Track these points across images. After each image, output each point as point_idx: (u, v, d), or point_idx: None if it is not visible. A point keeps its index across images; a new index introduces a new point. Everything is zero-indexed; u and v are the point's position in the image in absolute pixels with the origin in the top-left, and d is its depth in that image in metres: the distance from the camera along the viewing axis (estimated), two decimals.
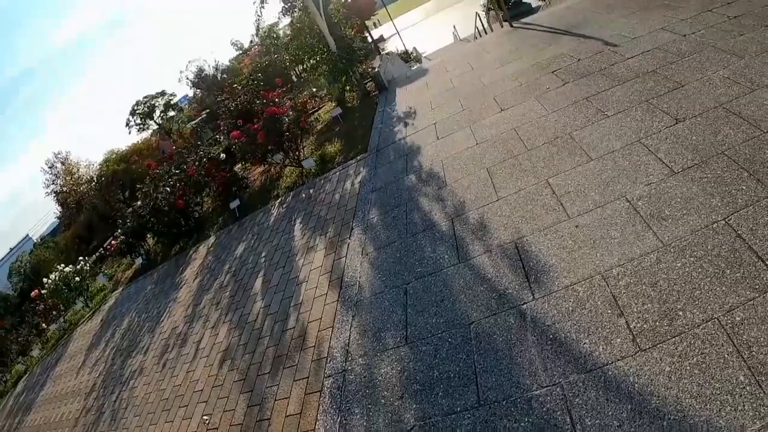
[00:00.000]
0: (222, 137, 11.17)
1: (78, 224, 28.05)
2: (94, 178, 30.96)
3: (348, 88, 10.43)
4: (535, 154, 4.61)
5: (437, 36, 39.01)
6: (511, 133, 5.22)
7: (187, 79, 35.58)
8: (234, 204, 9.15)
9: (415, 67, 14.03)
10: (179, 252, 10.25)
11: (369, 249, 4.73)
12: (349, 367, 3.52)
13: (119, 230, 11.74)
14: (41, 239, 36.57)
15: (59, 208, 32.93)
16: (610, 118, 4.53)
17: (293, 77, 22.68)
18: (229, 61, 36.24)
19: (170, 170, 11.53)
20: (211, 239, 9.16)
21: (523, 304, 3.12)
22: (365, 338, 3.67)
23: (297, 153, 8.57)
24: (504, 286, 3.34)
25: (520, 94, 6.10)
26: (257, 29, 11.91)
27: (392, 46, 23.82)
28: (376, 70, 9.75)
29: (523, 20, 10.09)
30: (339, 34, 10.19)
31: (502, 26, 11.02)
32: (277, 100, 8.87)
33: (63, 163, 32.48)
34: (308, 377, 3.76)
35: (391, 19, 27.57)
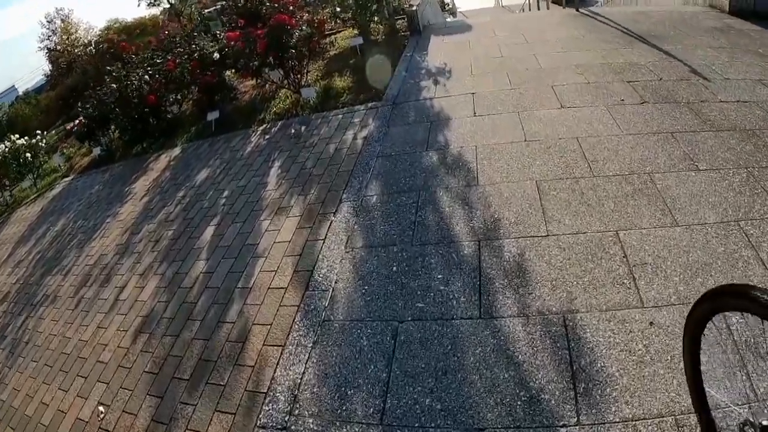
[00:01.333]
0: (221, 34, 9.36)
1: (64, 86, 25.58)
2: (92, 43, 29.02)
3: (377, 18, 8.78)
4: (603, 186, 3.40)
5: None
6: (572, 143, 3.96)
7: None
8: (212, 116, 7.58)
9: (449, 19, 12.35)
10: (140, 153, 8.63)
11: (357, 242, 3.47)
12: (293, 427, 2.37)
13: (81, 113, 9.98)
14: (25, 94, 33.57)
15: (50, 66, 30.71)
16: (702, 174, 3.34)
17: None
18: None
19: (152, 57, 9.70)
20: (176, 150, 7.62)
21: (561, 427, 2.02)
22: (325, 389, 2.49)
23: (299, 76, 7.02)
24: (539, 383, 2.21)
25: (586, 94, 4.80)
26: None
27: None
28: (414, 8, 8.12)
29: (591, 8, 8.64)
30: None
31: (564, 7, 9.54)
32: (291, 7, 7.17)
33: (63, 21, 30.39)
34: (235, 414, 2.58)
35: None
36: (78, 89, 24.59)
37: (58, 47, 29.65)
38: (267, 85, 7.86)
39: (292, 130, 5.89)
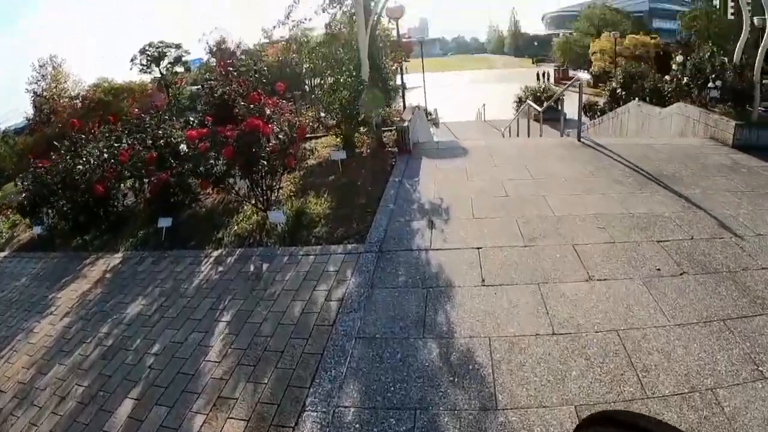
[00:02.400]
0: (194, 121, 8.65)
1: (43, 134, 25.15)
2: (79, 97, 28.94)
3: (363, 129, 8.34)
4: (659, 410, 2.52)
5: (459, 106, 38.30)
6: (613, 338, 3.12)
7: (207, 43, 34.53)
8: (164, 223, 6.57)
9: (433, 130, 12.18)
10: (80, 247, 7.51)
11: None
12: None
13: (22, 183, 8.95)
14: (4, 132, 33.11)
15: (33, 110, 30.97)
16: None
17: (306, 88, 20.77)
18: (254, 45, 34.72)
19: (111, 137, 8.76)
20: (117, 258, 6.54)
21: None
22: None
23: (269, 192, 6.23)
24: None
25: (615, 259, 4.09)
26: (287, 16, 9.51)
27: (414, 99, 22.24)
28: (406, 124, 7.68)
29: (593, 139, 8.38)
30: (377, 63, 8.19)
31: (562, 135, 9.35)
32: (268, 111, 6.39)
33: (54, 68, 30.78)
34: None
35: (423, 70, 26.04)
36: (56, 140, 23.87)
37: (45, 93, 29.87)
38: (230, 194, 7.01)
39: (252, 268, 4.96)
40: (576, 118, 17.60)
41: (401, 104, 12.78)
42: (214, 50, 35.63)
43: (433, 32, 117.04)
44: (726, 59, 9.43)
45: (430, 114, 23.27)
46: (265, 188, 6.11)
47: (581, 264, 4.01)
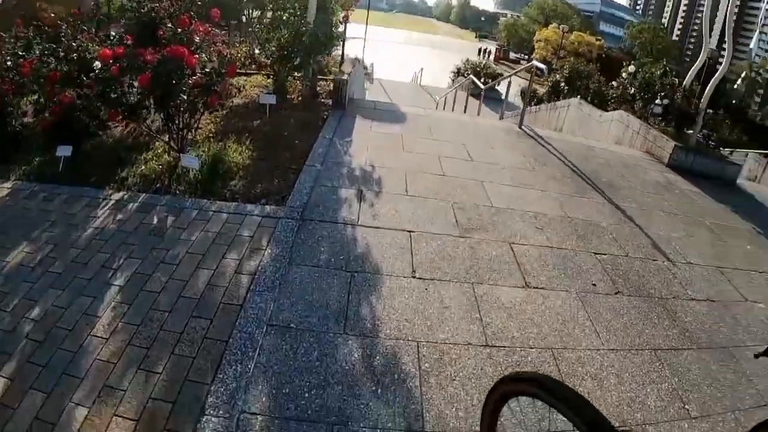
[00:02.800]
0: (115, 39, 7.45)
1: None
2: None
3: (299, 74, 7.71)
4: None
5: (396, 65, 37.70)
6: (547, 358, 2.97)
7: None
8: (63, 151, 5.44)
9: (366, 85, 11.77)
10: None
11: None
12: None
13: None
14: None
15: None
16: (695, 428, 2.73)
17: (243, 19, 19.17)
18: None
19: (17, 44, 7.39)
20: (5, 188, 5.27)
21: None
22: None
23: (185, 131, 5.44)
24: None
25: (552, 266, 3.99)
26: None
27: (352, 51, 21.49)
28: (346, 77, 7.16)
29: (535, 130, 8.38)
30: (326, 5, 7.60)
31: (501, 118, 9.30)
32: (197, 39, 5.58)
33: None
34: None
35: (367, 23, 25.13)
36: None
37: None
38: (141, 126, 6.10)
39: (155, 220, 4.25)
40: (513, 101, 17.96)
41: (340, 54, 12.14)
42: None
43: None
44: (677, 80, 9.85)
45: (366, 68, 22.66)
46: (181, 126, 5.31)
47: (518, 267, 3.84)
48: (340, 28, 8.87)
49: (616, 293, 3.86)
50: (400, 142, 6.09)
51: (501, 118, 9.50)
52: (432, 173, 5.29)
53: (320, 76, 8.16)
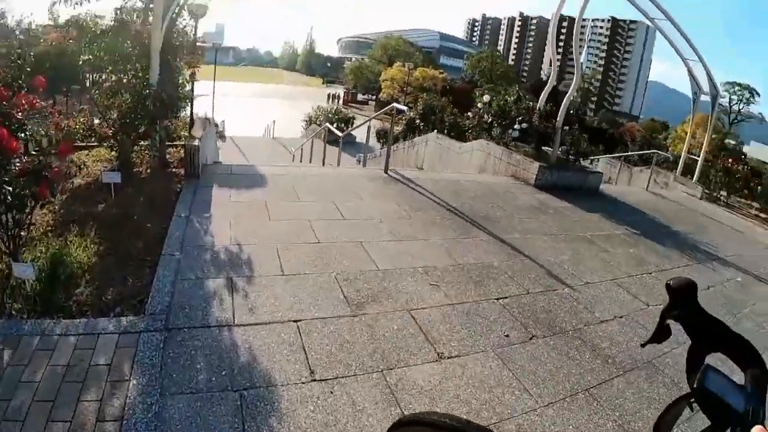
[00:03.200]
0: None
1: None
2: None
3: (146, 142, 7.04)
4: None
5: (246, 119, 36.97)
6: None
7: None
8: None
9: (219, 144, 11.25)
10: None
11: None
12: None
13: None
14: None
15: None
16: None
17: (87, 83, 17.53)
18: (37, 25, 29.24)
19: None
20: None
21: None
22: None
23: (15, 231, 4.39)
24: None
25: (460, 327, 3.78)
26: None
27: (201, 109, 20.75)
28: (197, 142, 6.60)
29: (399, 171, 8.44)
30: (170, 65, 7.06)
31: (363, 164, 9.27)
32: (20, 115, 4.55)
33: None
34: None
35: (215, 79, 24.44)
36: None
37: None
38: None
39: None
40: (372, 145, 18.24)
41: (189, 114, 11.47)
42: None
43: (228, 40, 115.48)
44: (531, 104, 10.68)
45: (217, 126, 22.00)
46: (11, 226, 4.33)
47: (425, 337, 3.56)
48: (188, 87, 8.36)
49: (531, 338, 3.82)
50: (264, 210, 5.63)
51: (364, 164, 9.48)
52: (305, 242, 4.91)
53: (169, 143, 7.55)
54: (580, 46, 11.81)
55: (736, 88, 54.77)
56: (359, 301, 3.92)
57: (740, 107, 54.87)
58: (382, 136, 24.65)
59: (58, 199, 5.71)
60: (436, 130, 13.61)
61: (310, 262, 4.45)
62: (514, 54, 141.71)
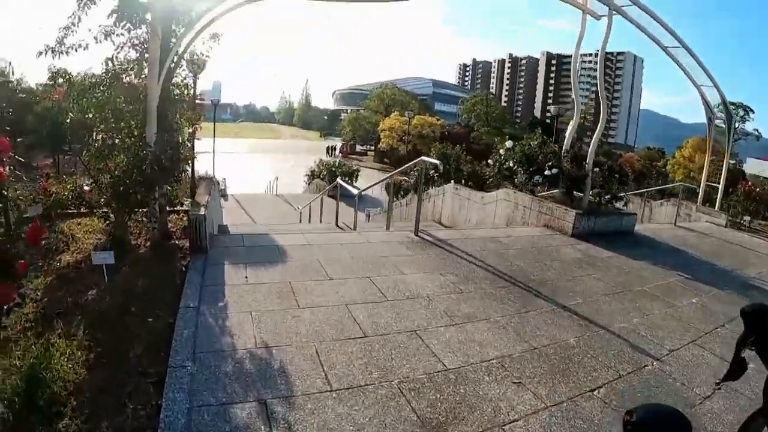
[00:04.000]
0: None
1: None
2: None
3: (144, 210, 6.27)
4: None
5: (248, 176, 36.43)
6: None
7: None
8: None
9: (222, 203, 10.55)
10: None
11: None
12: None
13: None
14: None
15: None
16: None
17: (72, 143, 16.80)
18: (37, 84, 29.26)
19: None
20: None
21: None
22: None
23: None
24: None
25: None
26: (60, 41, 6.06)
27: (201, 167, 20.23)
28: (202, 212, 5.80)
29: (431, 233, 7.70)
30: (169, 123, 6.31)
31: (388, 228, 8.52)
32: None
33: None
34: None
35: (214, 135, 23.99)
36: None
37: None
38: None
39: None
40: (378, 197, 17.50)
41: (190, 174, 10.83)
42: None
43: (225, 97, 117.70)
44: (556, 147, 10.03)
45: (219, 184, 21.50)
46: None
47: None
48: (189, 146, 7.60)
49: None
50: (290, 295, 4.77)
51: (388, 227, 8.73)
52: (349, 337, 4.06)
53: (170, 209, 6.78)
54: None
55: (731, 107, 54.78)
56: (437, 420, 3.05)
57: (736, 126, 54.76)
58: (392, 189, 24.09)
59: (41, 282, 4.92)
60: (453, 180, 12.91)
61: (361, 368, 3.58)
62: (506, 94, 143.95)
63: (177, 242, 6.12)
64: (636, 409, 1.07)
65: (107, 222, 6.10)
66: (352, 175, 31.04)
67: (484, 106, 66.72)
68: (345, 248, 6.52)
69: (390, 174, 10.58)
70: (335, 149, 67.92)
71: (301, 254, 6.10)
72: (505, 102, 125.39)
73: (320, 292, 4.92)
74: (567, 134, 10.40)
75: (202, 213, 5.70)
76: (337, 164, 32.70)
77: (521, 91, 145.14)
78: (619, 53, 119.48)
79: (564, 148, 9.96)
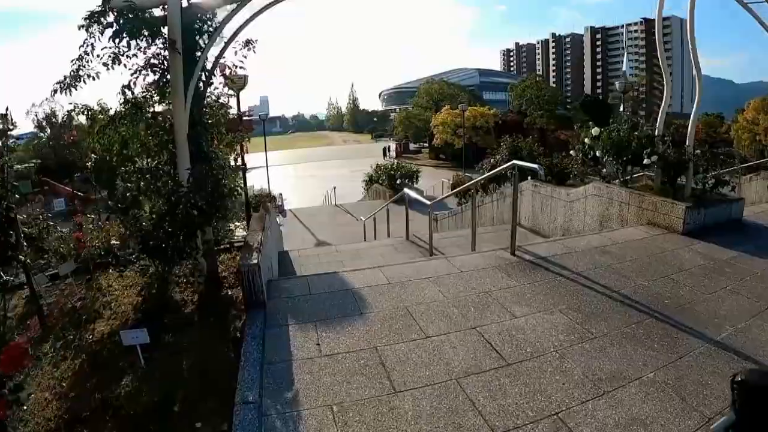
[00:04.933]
0: None
1: None
2: None
3: (182, 267, 5.45)
4: None
5: (304, 188, 35.90)
6: None
7: (36, 115, 30.30)
8: None
9: (279, 220, 9.72)
10: None
11: None
12: None
13: None
14: None
15: None
16: None
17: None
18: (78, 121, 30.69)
19: None
20: None
21: None
22: None
23: None
24: None
25: None
26: (74, 73, 5.25)
27: (255, 182, 19.55)
28: (255, 261, 4.82)
29: (532, 251, 6.53)
30: (204, 151, 5.43)
31: (474, 248, 7.40)
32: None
33: None
34: None
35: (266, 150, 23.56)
36: None
37: None
38: None
39: None
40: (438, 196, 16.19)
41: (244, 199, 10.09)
42: (43, 124, 30.77)
43: (273, 110, 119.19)
44: (650, 131, 8.64)
45: (275, 199, 21.01)
46: None
47: None
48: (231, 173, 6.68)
49: None
50: (380, 368, 3.69)
51: (473, 248, 7.62)
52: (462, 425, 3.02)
53: (218, 247, 5.92)
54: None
55: None
56: None
57: None
58: (475, 202, 22.87)
59: (68, 367, 4.13)
60: (530, 177, 11.56)
61: None
62: (554, 75, 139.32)
63: (230, 292, 5.20)
64: (746, 371, 0.96)
65: (147, 275, 5.31)
66: (412, 177, 29.94)
67: (534, 90, 63.98)
68: (433, 284, 5.43)
69: (472, 182, 9.39)
70: (390, 149, 67.05)
71: (382, 300, 5.01)
72: (553, 83, 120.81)
73: (418, 360, 3.82)
74: (660, 114, 8.92)
75: (255, 261, 4.71)
76: (395, 167, 31.64)
77: (568, 70, 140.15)
78: (665, 19, 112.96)
79: (658, 130, 8.56)
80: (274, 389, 3.51)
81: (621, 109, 7.89)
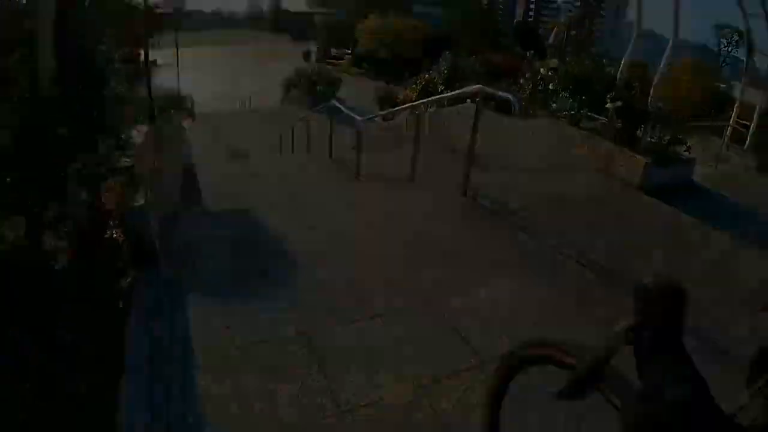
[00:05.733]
0: None
1: None
2: None
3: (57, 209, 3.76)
4: None
5: (218, 91, 32.34)
6: None
7: None
8: None
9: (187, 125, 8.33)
10: None
11: None
12: None
13: None
14: None
15: None
16: None
17: None
18: None
19: None
20: None
21: None
22: None
23: None
24: None
25: None
26: None
27: (164, 81, 17.05)
28: (143, 215, 3.30)
29: (476, 187, 5.49)
30: (84, 54, 3.63)
31: (413, 180, 6.28)
32: None
33: None
34: None
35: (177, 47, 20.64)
36: None
37: None
38: None
39: None
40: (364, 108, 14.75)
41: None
42: None
43: (190, 4, 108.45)
44: (613, 72, 7.68)
45: (184, 102, 18.92)
46: None
47: None
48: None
49: None
50: (313, 366, 2.42)
51: (412, 179, 6.48)
52: None
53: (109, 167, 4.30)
54: None
55: (726, 30, 51.98)
56: None
57: (729, 50, 52.38)
58: (382, 101, 21.55)
59: None
60: (468, 100, 10.42)
61: None
62: None
63: (114, 236, 3.62)
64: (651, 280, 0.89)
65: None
66: (333, 84, 28.00)
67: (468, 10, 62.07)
68: (374, 232, 4.22)
69: (415, 103, 8.10)
70: (311, 54, 63.26)
71: (313, 258, 3.70)
72: (485, 4, 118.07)
73: (365, 359, 2.61)
74: (626, 55, 7.97)
75: (144, 217, 3.24)
76: (316, 72, 29.44)
77: None
78: None
79: (620, 74, 7.64)
80: (167, 402, 2.22)
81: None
